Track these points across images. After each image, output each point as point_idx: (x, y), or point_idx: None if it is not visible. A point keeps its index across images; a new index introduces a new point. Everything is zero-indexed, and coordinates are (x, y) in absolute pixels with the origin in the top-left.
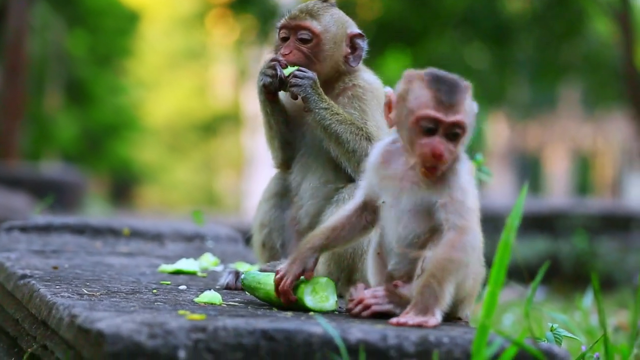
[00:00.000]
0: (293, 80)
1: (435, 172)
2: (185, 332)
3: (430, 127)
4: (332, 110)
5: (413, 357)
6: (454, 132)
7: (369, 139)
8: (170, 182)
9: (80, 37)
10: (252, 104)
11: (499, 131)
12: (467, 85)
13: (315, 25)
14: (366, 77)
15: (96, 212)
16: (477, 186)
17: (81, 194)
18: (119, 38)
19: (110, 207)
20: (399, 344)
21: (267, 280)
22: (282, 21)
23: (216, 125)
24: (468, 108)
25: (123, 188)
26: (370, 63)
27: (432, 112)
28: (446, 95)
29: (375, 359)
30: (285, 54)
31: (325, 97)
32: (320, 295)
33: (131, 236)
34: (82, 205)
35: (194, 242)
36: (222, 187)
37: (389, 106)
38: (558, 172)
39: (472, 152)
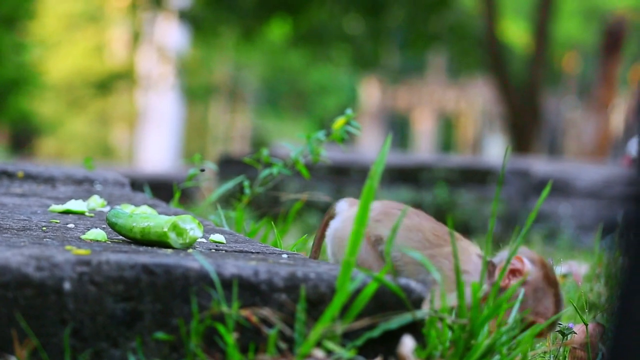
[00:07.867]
0: None
1: None
2: (70, 265)
3: None
4: None
5: (282, 291)
6: None
7: None
8: (67, 134)
9: None
10: (144, 65)
11: (371, 93)
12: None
13: None
14: None
15: None
16: (347, 139)
17: None
18: (22, 0)
19: (9, 156)
20: (269, 279)
21: (125, 225)
22: None
23: (111, 83)
24: None
25: (22, 140)
26: (254, 31)
27: None
28: None
29: (248, 292)
30: None
31: None
32: (184, 232)
33: (25, 179)
34: None
35: (84, 185)
36: (116, 140)
37: None
38: (424, 131)
39: (343, 109)
